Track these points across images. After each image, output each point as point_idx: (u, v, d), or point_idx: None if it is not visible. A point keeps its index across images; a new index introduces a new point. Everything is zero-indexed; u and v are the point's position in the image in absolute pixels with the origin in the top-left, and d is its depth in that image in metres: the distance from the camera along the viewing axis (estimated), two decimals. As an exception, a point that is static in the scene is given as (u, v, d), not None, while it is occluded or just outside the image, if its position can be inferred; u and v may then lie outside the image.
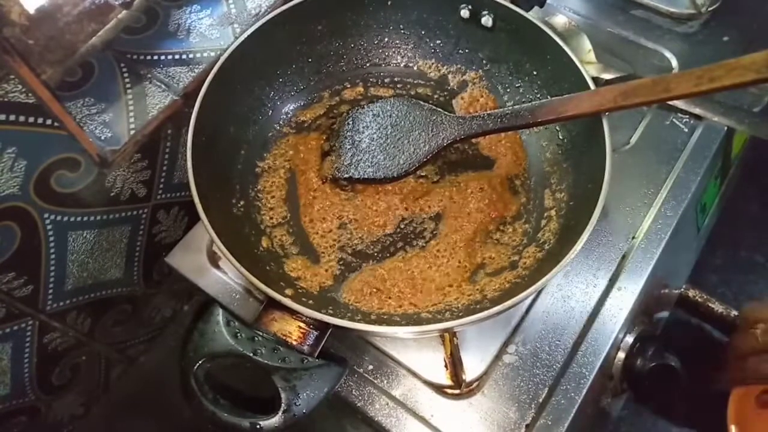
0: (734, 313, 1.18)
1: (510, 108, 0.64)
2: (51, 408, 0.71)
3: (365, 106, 0.72)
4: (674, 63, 0.87)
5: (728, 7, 0.91)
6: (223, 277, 0.71)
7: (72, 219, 0.63)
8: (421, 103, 0.70)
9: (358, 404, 0.65)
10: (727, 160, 0.91)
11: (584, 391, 0.64)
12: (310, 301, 0.61)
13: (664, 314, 1.02)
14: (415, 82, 0.78)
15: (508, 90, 0.75)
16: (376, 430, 0.65)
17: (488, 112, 0.66)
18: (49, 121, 0.57)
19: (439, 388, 0.66)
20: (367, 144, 0.69)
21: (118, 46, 0.69)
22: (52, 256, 0.63)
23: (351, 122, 0.71)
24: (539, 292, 0.70)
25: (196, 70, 0.70)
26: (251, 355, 0.54)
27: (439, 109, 0.69)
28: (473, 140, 0.73)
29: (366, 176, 0.69)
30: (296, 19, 0.71)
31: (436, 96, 0.77)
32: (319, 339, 0.55)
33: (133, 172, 0.68)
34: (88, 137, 0.62)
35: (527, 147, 0.73)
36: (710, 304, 1.19)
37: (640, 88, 0.56)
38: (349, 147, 0.70)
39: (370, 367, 0.67)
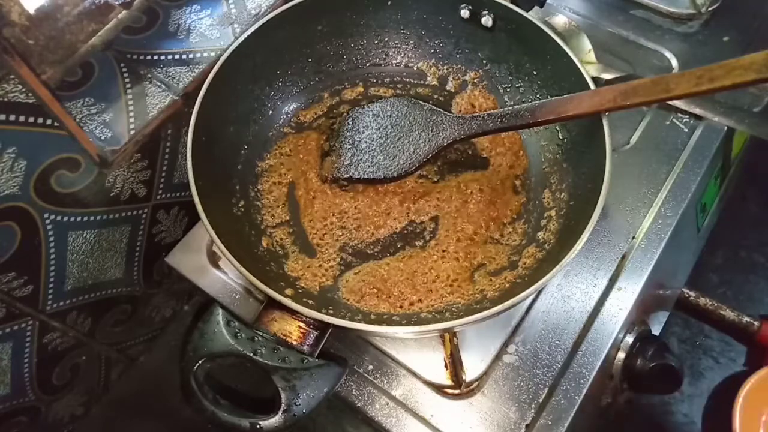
0: (746, 319, 1.18)
1: (510, 108, 0.64)
2: (51, 408, 0.71)
3: (365, 106, 0.72)
4: (674, 63, 0.87)
5: (728, 7, 0.91)
6: (223, 277, 0.71)
7: (72, 219, 0.63)
8: (421, 103, 0.70)
9: (358, 404, 0.65)
10: (727, 160, 0.91)
11: (584, 391, 0.64)
12: (310, 301, 0.61)
13: (664, 314, 1.02)
14: (415, 82, 0.78)
15: (508, 90, 0.75)
16: (376, 430, 0.65)
17: (488, 112, 0.66)
18: (49, 121, 0.57)
19: (439, 388, 0.66)
20: (367, 144, 0.69)
21: (118, 46, 0.69)
22: (52, 256, 0.63)
23: (351, 122, 0.71)
24: (539, 292, 0.70)
25: (196, 70, 0.70)
26: (251, 355, 0.54)
27: (439, 109, 0.69)
28: (473, 140, 0.73)
29: (366, 176, 0.69)
30: (296, 19, 0.71)
31: (435, 96, 0.77)
32: (319, 339, 0.55)
33: (133, 172, 0.68)
34: (88, 137, 0.62)
35: (527, 147, 0.73)
36: (721, 312, 1.19)
37: (639, 88, 0.56)
38: (349, 147, 0.70)
39: (370, 367, 0.67)
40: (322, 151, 0.73)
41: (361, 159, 0.69)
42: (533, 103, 0.63)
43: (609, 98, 0.58)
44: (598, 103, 0.59)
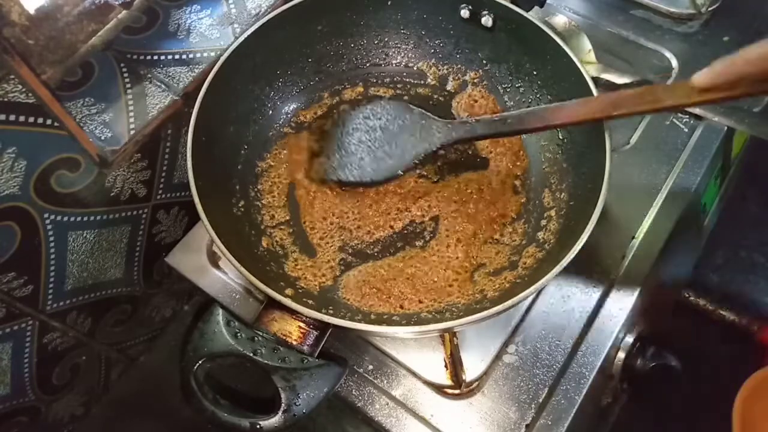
0: (746, 319, 1.18)
1: (499, 115, 0.64)
2: (51, 408, 0.71)
3: (356, 108, 0.72)
4: (674, 63, 0.87)
5: (728, 7, 0.91)
6: (223, 277, 0.71)
7: (72, 219, 0.63)
8: (412, 106, 0.69)
9: (358, 404, 0.66)
10: (727, 160, 0.91)
11: (584, 391, 0.64)
12: (310, 301, 0.61)
13: (664, 314, 1.02)
14: (415, 82, 0.78)
15: (508, 90, 0.75)
16: (376, 430, 0.65)
17: (477, 117, 0.66)
18: (49, 121, 0.57)
19: (439, 388, 0.66)
20: (355, 147, 0.69)
21: (118, 46, 0.69)
22: (52, 256, 0.63)
23: (341, 124, 0.71)
24: (539, 292, 0.70)
25: (196, 70, 0.70)
26: (251, 355, 0.54)
27: (428, 114, 0.68)
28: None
29: (351, 179, 0.68)
30: (296, 19, 0.71)
31: (435, 96, 0.77)
32: (319, 339, 0.55)
33: (133, 172, 0.68)
34: (88, 137, 0.62)
35: (527, 147, 0.73)
36: (721, 312, 1.19)
37: (630, 98, 0.56)
38: (337, 149, 0.70)
39: (370, 367, 0.67)
40: (311, 152, 0.73)
41: (348, 162, 0.69)
42: (522, 110, 0.63)
43: (599, 108, 0.58)
44: (588, 113, 0.58)
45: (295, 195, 0.71)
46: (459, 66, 0.77)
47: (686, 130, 0.81)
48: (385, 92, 0.77)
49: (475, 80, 0.76)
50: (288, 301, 0.53)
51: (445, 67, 0.78)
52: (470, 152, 0.73)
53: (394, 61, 0.79)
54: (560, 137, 0.69)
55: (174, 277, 0.77)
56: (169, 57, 0.71)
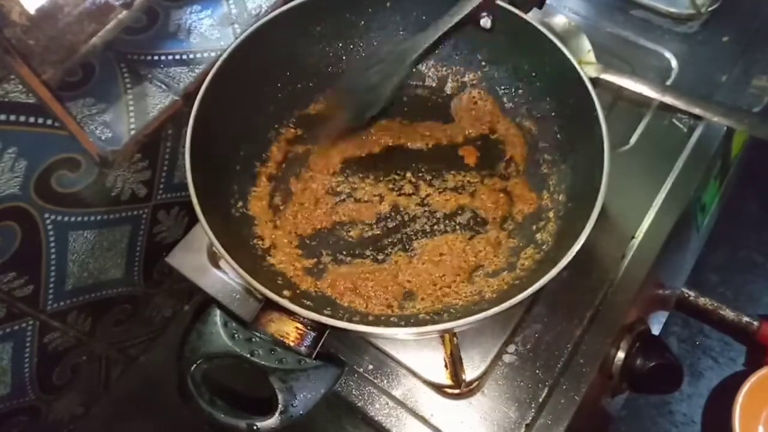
0: (745, 318, 1.18)
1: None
2: (51, 407, 0.72)
3: None
4: (674, 63, 0.87)
5: (728, 8, 0.90)
6: (224, 277, 0.71)
7: (72, 219, 0.63)
8: None
9: (358, 404, 0.66)
10: (726, 160, 0.91)
11: (584, 391, 0.64)
12: (308, 302, 0.61)
13: (664, 314, 1.02)
14: (414, 83, 0.78)
15: (507, 91, 0.75)
16: (377, 430, 0.65)
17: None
18: (49, 121, 0.57)
19: (439, 388, 0.66)
20: None
21: (118, 47, 0.69)
22: (53, 256, 0.63)
23: None
24: (538, 292, 0.70)
25: (197, 71, 0.70)
26: (248, 356, 0.54)
27: None
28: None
29: None
30: (296, 20, 0.71)
31: (434, 97, 0.77)
32: (316, 340, 0.55)
33: (134, 172, 0.68)
34: (89, 137, 0.62)
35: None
36: (721, 311, 1.19)
37: None
38: None
39: (370, 366, 0.67)
40: (308, 154, 0.73)
41: None
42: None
43: None
44: None
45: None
46: (458, 67, 0.77)
47: (686, 130, 0.81)
48: (384, 93, 0.77)
49: (474, 82, 0.76)
50: (286, 302, 0.53)
51: (444, 68, 0.78)
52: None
53: (393, 63, 0.78)
54: (558, 138, 0.69)
55: (174, 277, 0.77)
56: (170, 57, 0.71)
